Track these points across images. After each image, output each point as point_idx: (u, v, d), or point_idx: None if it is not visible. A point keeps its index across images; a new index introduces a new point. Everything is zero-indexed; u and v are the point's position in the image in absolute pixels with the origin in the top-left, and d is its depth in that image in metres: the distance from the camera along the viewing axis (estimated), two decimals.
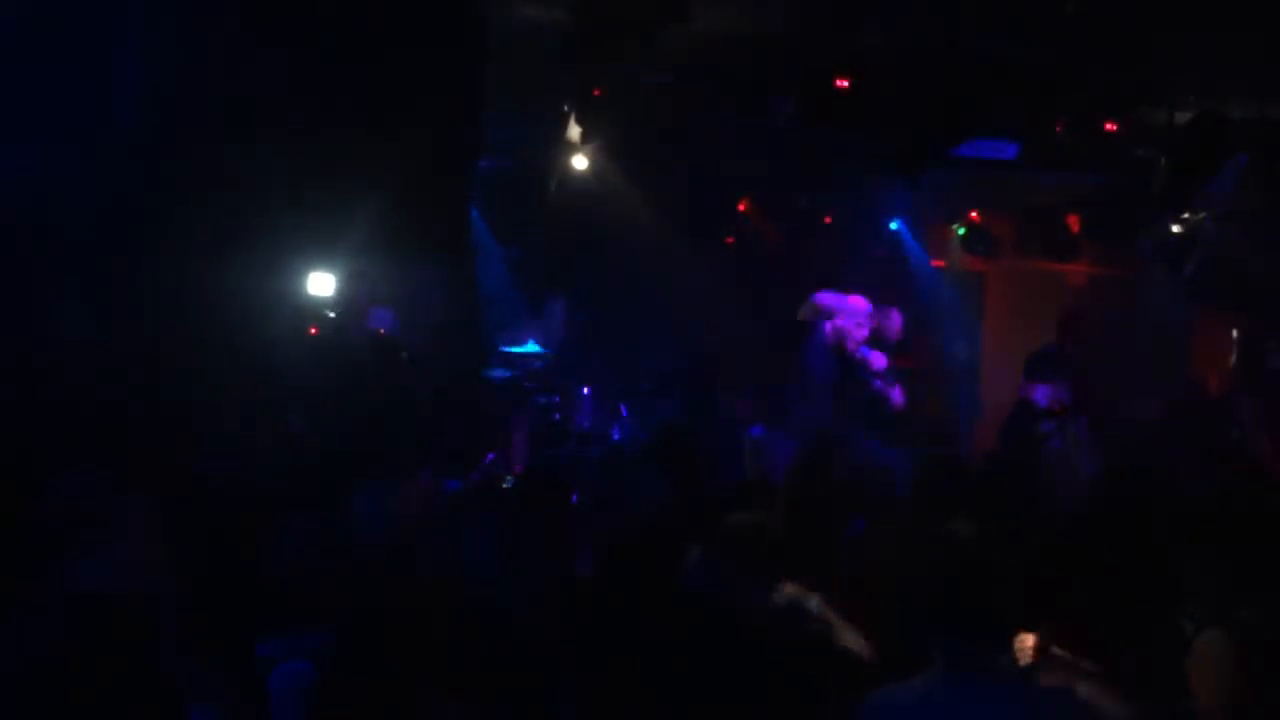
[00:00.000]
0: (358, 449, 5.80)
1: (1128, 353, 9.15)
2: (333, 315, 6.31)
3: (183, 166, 4.32)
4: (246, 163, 4.33)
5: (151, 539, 2.73)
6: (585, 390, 8.29)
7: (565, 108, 6.42)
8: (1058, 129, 6.59)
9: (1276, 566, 2.84)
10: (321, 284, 5.99)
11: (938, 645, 2.41)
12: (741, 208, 9.51)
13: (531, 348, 8.28)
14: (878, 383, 6.59)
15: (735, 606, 3.09)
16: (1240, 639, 2.43)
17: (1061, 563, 3.04)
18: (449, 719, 2.63)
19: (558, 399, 8.22)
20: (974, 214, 9.66)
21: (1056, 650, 2.76)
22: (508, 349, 8.34)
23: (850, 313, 6.57)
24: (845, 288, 6.98)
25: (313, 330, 6.41)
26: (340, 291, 6.12)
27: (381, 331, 6.89)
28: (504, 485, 6.93)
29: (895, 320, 6.71)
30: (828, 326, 6.59)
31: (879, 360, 6.52)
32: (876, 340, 6.69)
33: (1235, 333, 8.70)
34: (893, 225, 10.04)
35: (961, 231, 9.80)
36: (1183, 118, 6.51)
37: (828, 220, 9.65)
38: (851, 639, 3.15)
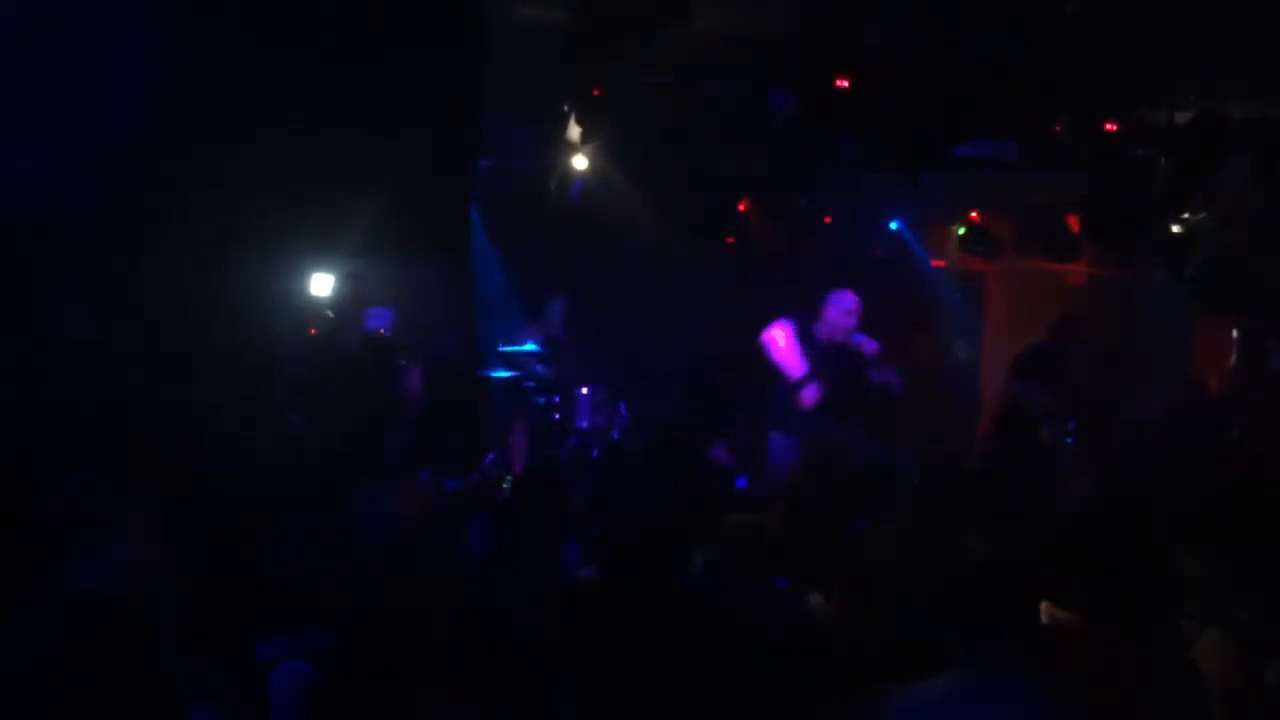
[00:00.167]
0: (357, 449, 5.81)
1: (1128, 353, 9.16)
2: (332, 315, 6.32)
3: (183, 167, 4.32)
4: (246, 163, 4.33)
5: (151, 539, 2.73)
6: (585, 390, 8.29)
7: (565, 108, 6.41)
8: (1058, 129, 6.59)
9: (1276, 566, 2.84)
10: (323, 284, 6.00)
11: (956, 646, 2.41)
12: (741, 208, 9.52)
13: (531, 348, 8.28)
14: (874, 373, 6.57)
15: (735, 606, 3.09)
16: (1240, 639, 2.44)
17: (1062, 563, 3.04)
18: (449, 719, 2.63)
19: (558, 399, 8.22)
20: (974, 214, 9.66)
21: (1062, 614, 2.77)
22: (507, 349, 8.34)
23: (835, 305, 6.58)
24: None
25: (312, 331, 6.42)
26: (337, 292, 6.13)
27: (381, 331, 6.90)
28: (504, 485, 6.94)
29: (848, 302, 6.65)
30: (820, 326, 6.60)
31: (870, 346, 6.51)
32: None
33: (1235, 333, 8.69)
34: (893, 225, 10.04)
35: (961, 231, 9.80)
36: (1183, 118, 6.50)
37: (828, 220, 9.65)
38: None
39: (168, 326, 5.69)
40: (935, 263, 10.34)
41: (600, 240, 8.76)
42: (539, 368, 8.18)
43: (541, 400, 8.18)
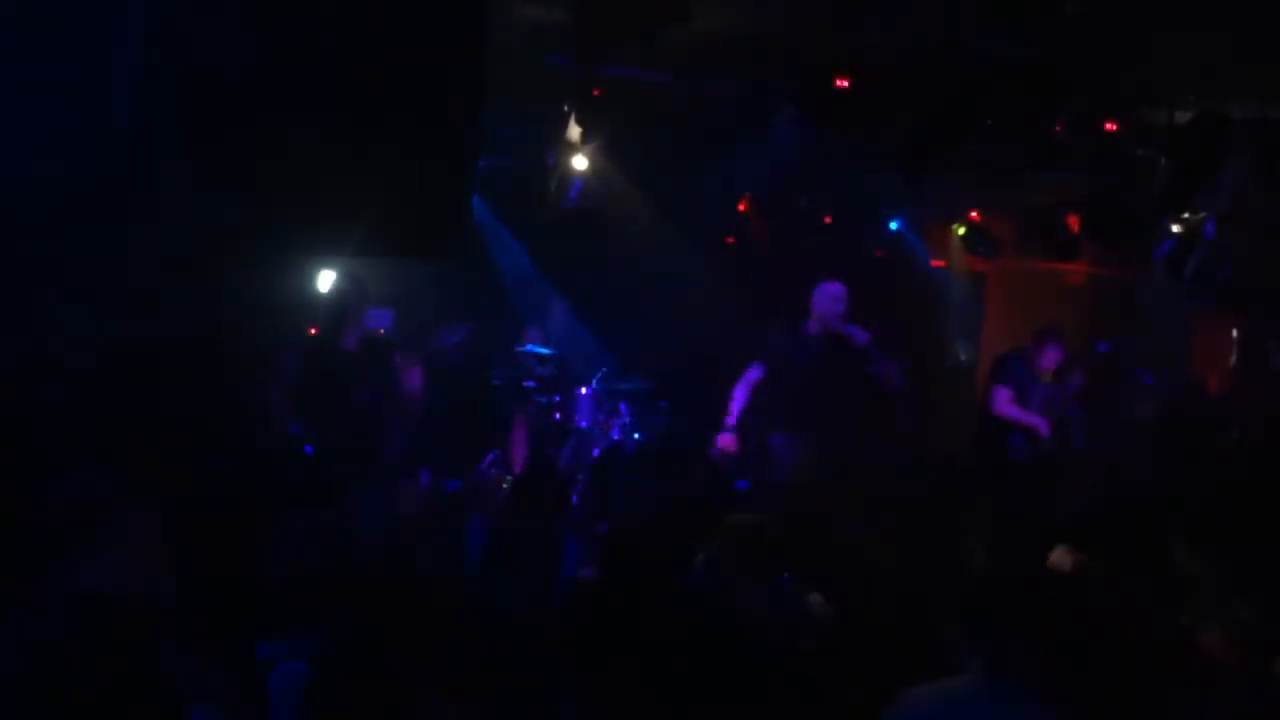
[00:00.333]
0: (357, 449, 5.80)
1: (1128, 352, 9.16)
2: (332, 315, 6.31)
3: (183, 167, 4.32)
4: (246, 163, 4.33)
5: (151, 539, 2.73)
6: (585, 390, 8.29)
7: (565, 108, 6.41)
8: (1058, 129, 6.59)
9: (1276, 565, 2.84)
10: (329, 282, 5.97)
11: (975, 649, 2.41)
12: (741, 208, 9.52)
13: (531, 348, 8.29)
14: (870, 366, 6.55)
15: (735, 606, 3.09)
16: (1240, 634, 2.44)
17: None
18: (449, 719, 2.63)
19: (558, 399, 8.22)
20: (974, 214, 9.66)
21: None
22: (508, 349, 8.35)
23: (822, 295, 6.57)
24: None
25: (312, 330, 6.41)
26: (335, 292, 6.12)
27: (381, 331, 6.89)
28: (504, 485, 6.94)
29: (835, 290, 6.63)
30: (810, 323, 6.60)
31: (860, 336, 6.48)
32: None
33: (1235, 333, 8.70)
34: (893, 225, 10.04)
35: (961, 231, 9.80)
36: (1183, 118, 6.50)
37: (828, 220, 9.64)
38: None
39: (167, 326, 5.69)
40: (935, 263, 10.34)
41: (600, 240, 8.77)
42: (539, 368, 8.19)
43: (541, 400, 8.18)
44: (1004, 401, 7.00)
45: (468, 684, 2.74)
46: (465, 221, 4.80)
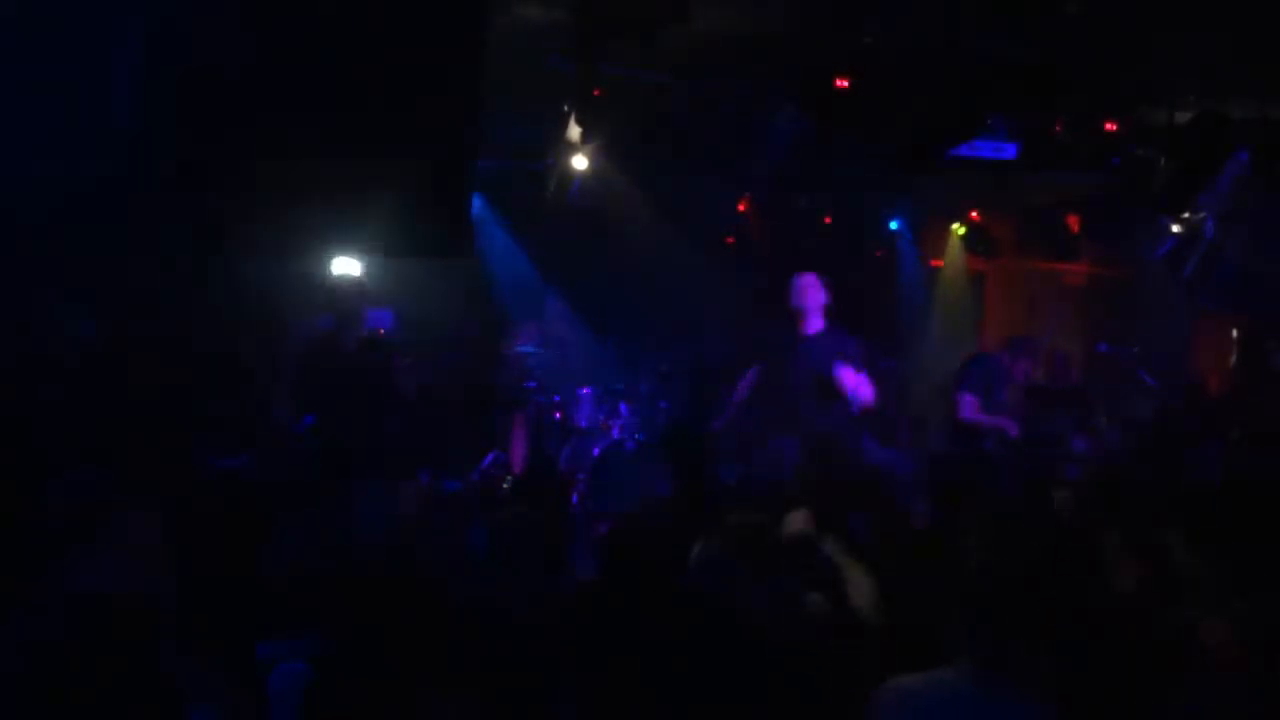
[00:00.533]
0: (357, 449, 5.80)
1: (1127, 354, 9.16)
2: (332, 316, 6.32)
3: (182, 167, 4.32)
4: (246, 164, 4.33)
5: (151, 539, 2.73)
6: (585, 390, 8.30)
7: (565, 108, 6.41)
8: (1058, 129, 6.59)
9: (1275, 562, 2.84)
10: (347, 268, 5.96)
11: (969, 644, 2.42)
12: (741, 208, 9.52)
13: (531, 348, 8.29)
14: (846, 364, 6.56)
15: (735, 606, 3.09)
16: (1243, 630, 2.44)
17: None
18: (449, 719, 2.63)
19: (558, 399, 8.23)
20: (974, 214, 9.67)
21: None
22: (508, 349, 8.36)
23: (799, 289, 6.58)
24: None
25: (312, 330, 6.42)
26: (335, 292, 6.13)
27: (381, 332, 6.90)
28: (504, 485, 6.94)
29: (807, 280, 6.63)
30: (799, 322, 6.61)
31: (847, 343, 6.50)
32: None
33: (1235, 333, 8.70)
34: (893, 225, 10.05)
35: (961, 231, 9.81)
36: (1183, 118, 6.50)
37: (828, 220, 9.65)
38: (858, 590, 3.22)
39: (167, 326, 5.69)
40: (935, 262, 10.35)
41: (600, 240, 8.77)
42: (539, 368, 8.19)
43: (541, 400, 8.19)
44: (970, 408, 6.97)
45: (468, 684, 2.74)
46: (465, 221, 4.80)
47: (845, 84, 5.92)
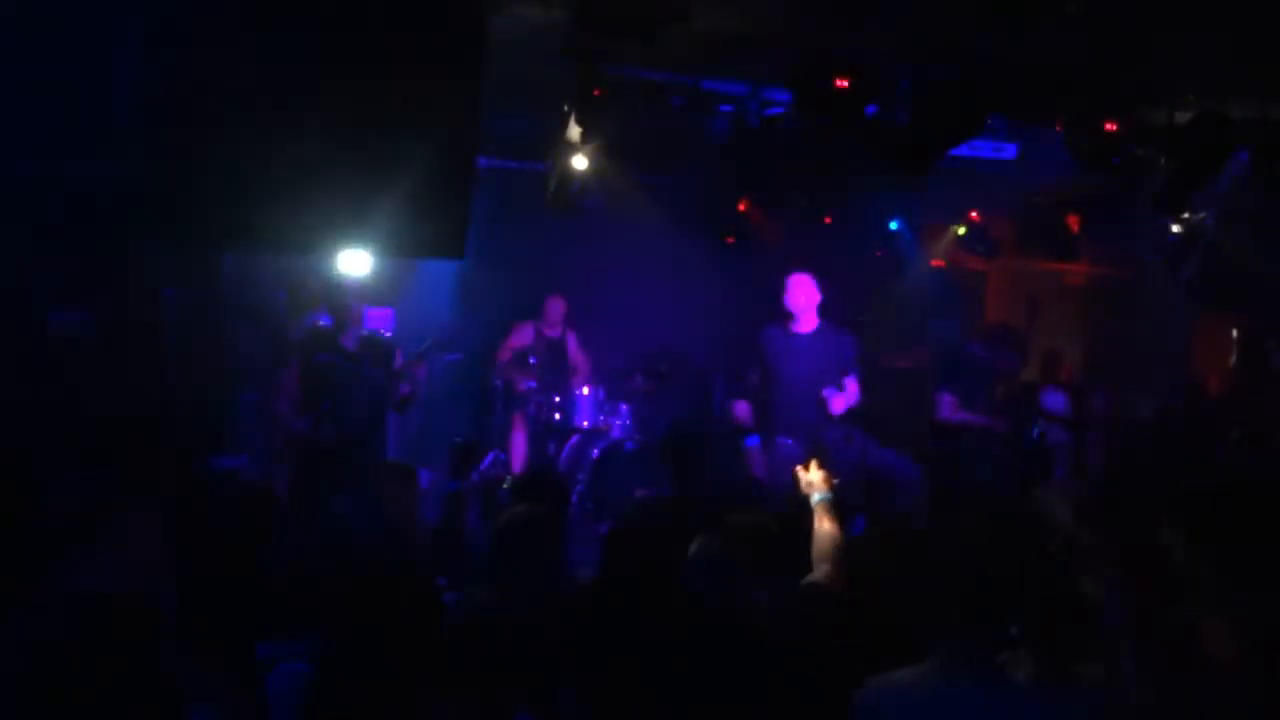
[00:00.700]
0: (357, 449, 5.81)
1: (1128, 353, 9.16)
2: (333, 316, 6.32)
3: (182, 167, 4.33)
4: (246, 164, 4.34)
5: (151, 539, 2.73)
6: (584, 390, 8.30)
7: (565, 108, 6.41)
8: (1058, 129, 6.59)
9: (1275, 561, 2.84)
10: (356, 262, 5.94)
11: (939, 639, 2.44)
12: (741, 208, 9.51)
13: (529, 348, 8.29)
14: (849, 364, 6.59)
15: (735, 606, 3.09)
16: (1245, 629, 2.44)
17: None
18: (449, 719, 2.63)
19: (558, 399, 8.23)
20: (974, 214, 9.66)
21: None
22: (507, 349, 8.36)
23: (794, 287, 6.61)
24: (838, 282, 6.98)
25: (313, 330, 6.42)
26: (335, 292, 6.13)
27: (381, 331, 6.91)
28: (504, 485, 6.95)
29: (802, 283, 6.65)
30: (794, 322, 6.63)
31: (845, 340, 6.52)
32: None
33: (1235, 333, 8.70)
34: (893, 225, 10.04)
35: (961, 231, 9.80)
36: (1183, 118, 6.50)
37: (828, 220, 9.65)
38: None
39: (167, 327, 5.69)
40: (935, 263, 10.34)
41: (599, 240, 8.77)
42: (539, 368, 8.19)
43: (541, 400, 8.19)
44: (948, 407, 6.95)
45: (468, 684, 2.74)
46: (465, 221, 4.81)
47: (845, 84, 5.91)
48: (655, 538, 3.61)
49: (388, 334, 7.25)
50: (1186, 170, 6.60)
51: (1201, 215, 8.02)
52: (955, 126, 6.24)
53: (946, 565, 2.53)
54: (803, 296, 6.58)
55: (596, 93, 6.16)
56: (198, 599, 2.70)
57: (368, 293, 6.69)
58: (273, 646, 2.85)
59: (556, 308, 8.45)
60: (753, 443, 6.54)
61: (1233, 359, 8.68)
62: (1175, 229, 8.23)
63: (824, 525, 3.53)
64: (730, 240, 9.66)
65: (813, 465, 3.72)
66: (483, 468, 7.56)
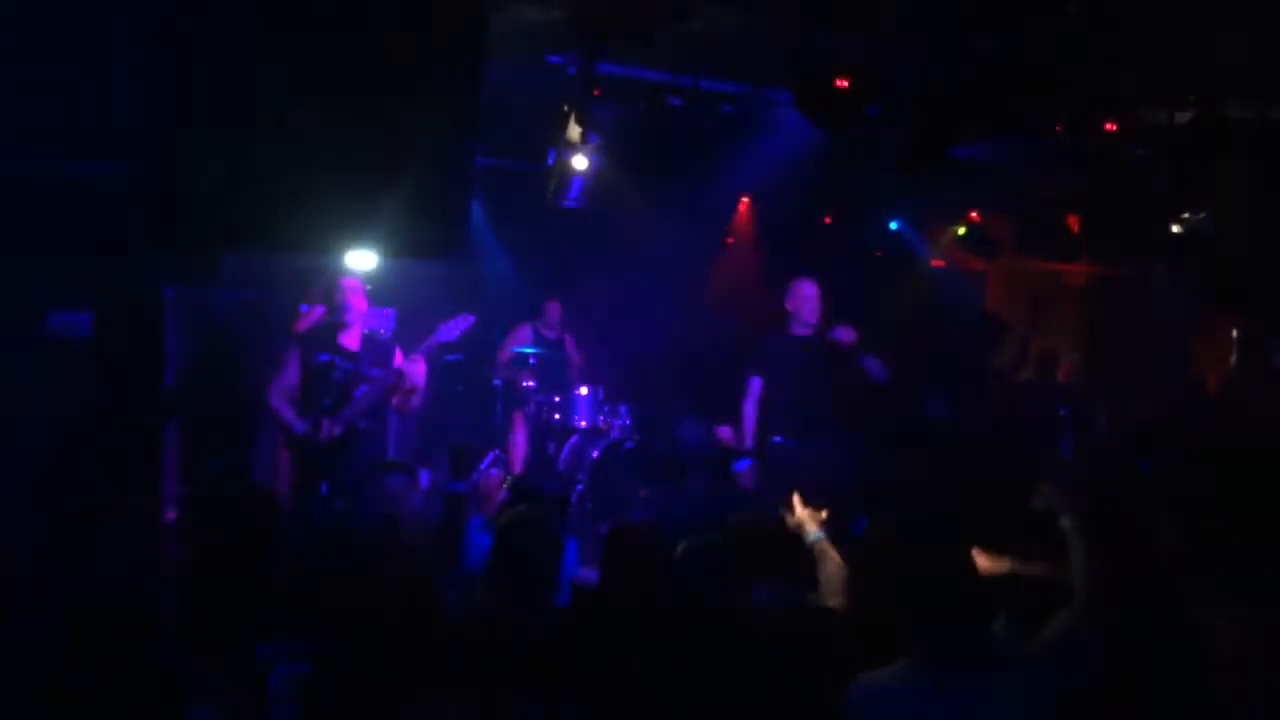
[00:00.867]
0: (356, 449, 5.80)
1: (1128, 353, 9.16)
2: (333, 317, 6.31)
3: (182, 167, 4.32)
4: (246, 164, 4.33)
5: (151, 539, 2.73)
6: (585, 390, 8.29)
7: (565, 108, 6.41)
8: (1058, 129, 6.59)
9: (1275, 562, 2.84)
10: (362, 260, 5.94)
11: (919, 632, 2.49)
12: (741, 208, 9.52)
13: (530, 348, 8.29)
14: (854, 363, 6.56)
15: (735, 606, 3.10)
16: (1240, 631, 2.45)
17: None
18: (449, 719, 2.63)
19: (557, 399, 8.23)
20: (974, 214, 9.66)
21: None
22: (507, 349, 8.35)
23: (795, 295, 6.61)
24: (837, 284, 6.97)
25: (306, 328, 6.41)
26: (335, 292, 6.12)
27: (381, 331, 6.89)
28: (504, 485, 6.94)
29: (808, 289, 6.66)
30: (795, 325, 6.63)
31: (846, 335, 6.50)
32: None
33: (1235, 333, 8.70)
34: (893, 225, 10.05)
35: (961, 231, 9.80)
36: (1183, 118, 6.50)
37: (828, 220, 9.65)
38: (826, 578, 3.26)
39: (168, 328, 5.69)
40: (935, 263, 10.35)
41: (599, 240, 8.77)
42: (539, 368, 8.19)
43: (541, 400, 8.19)
44: (936, 407, 6.96)
45: (468, 684, 2.74)
46: (465, 221, 4.80)
47: (845, 84, 5.91)
48: (655, 538, 3.61)
49: (387, 334, 7.24)
50: (1186, 170, 6.61)
51: (1201, 215, 8.02)
52: (954, 127, 6.24)
53: (888, 566, 2.60)
54: (805, 300, 6.58)
55: (596, 93, 6.17)
56: (198, 599, 2.70)
57: (369, 292, 6.68)
58: (273, 646, 2.85)
59: (554, 310, 8.46)
60: (742, 466, 6.51)
61: (1233, 359, 8.68)
62: (1175, 229, 8.24)
63: (828, 564, 3.45)
64: (730, 240, 9.68)
65: (796, 503, 3.66)
66: (483, 467, 7.56)
